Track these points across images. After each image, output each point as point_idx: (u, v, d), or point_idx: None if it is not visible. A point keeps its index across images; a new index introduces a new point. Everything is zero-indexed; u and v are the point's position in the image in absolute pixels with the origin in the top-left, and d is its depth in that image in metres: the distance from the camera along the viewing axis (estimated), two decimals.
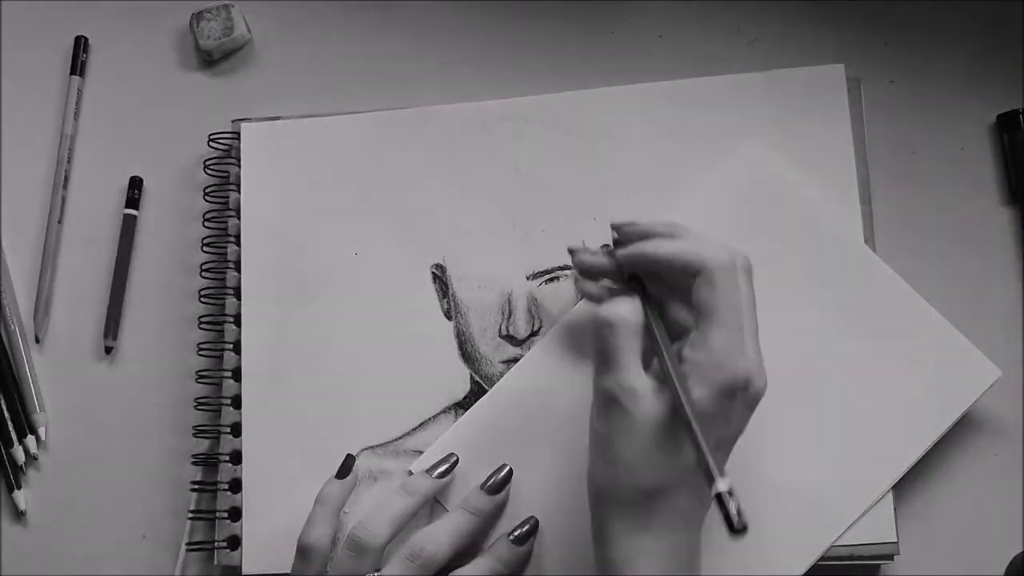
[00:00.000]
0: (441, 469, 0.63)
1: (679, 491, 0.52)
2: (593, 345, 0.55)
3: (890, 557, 0.61)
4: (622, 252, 0.58)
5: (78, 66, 0.76)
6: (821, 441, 0.62)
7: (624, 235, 0.59)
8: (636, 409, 0.51)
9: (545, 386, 0.64)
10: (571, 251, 0.62)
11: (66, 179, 0.74)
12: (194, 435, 0.68)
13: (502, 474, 0.62)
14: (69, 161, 0.75)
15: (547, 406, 0.64)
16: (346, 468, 0.64)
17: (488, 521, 0.62)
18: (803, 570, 0.60)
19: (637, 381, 0.52)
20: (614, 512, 0.53)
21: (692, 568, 0.54)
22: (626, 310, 0.54)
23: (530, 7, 0.74)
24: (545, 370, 0.65)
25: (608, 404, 0.53)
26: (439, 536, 0.60)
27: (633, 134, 0.68)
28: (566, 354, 0.65)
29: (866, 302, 0.63)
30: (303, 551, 0.60)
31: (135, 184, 0.74)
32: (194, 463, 0.68)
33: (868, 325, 0.63)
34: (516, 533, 0.61)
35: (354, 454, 0.65)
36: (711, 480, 0.48)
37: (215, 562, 0.66)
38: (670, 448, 0.51)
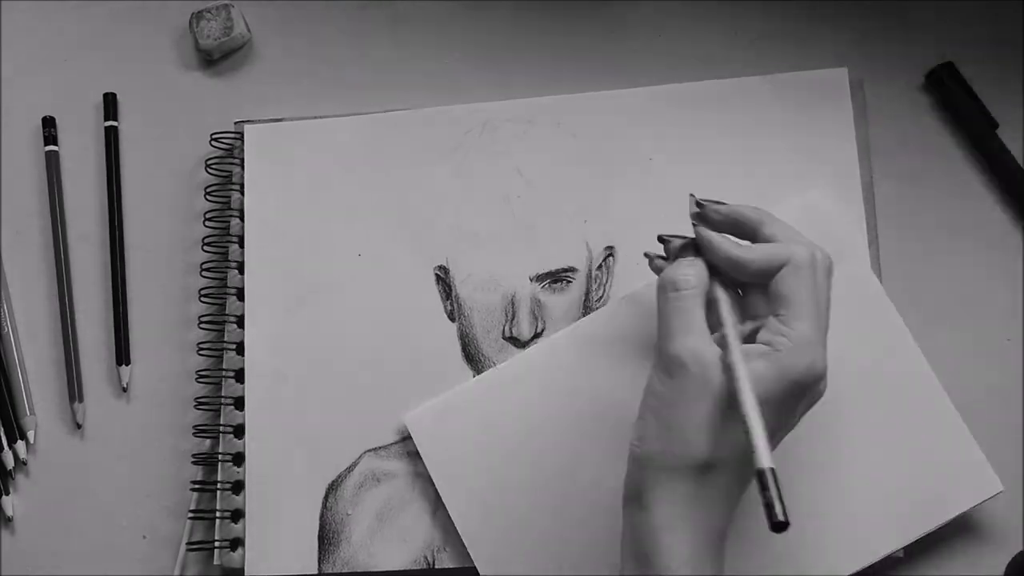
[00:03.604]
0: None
1: (728, 470, 0.50)
2: (658, 307, 0.53)
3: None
4: (709, 248, 0.55)
5: None
6: (808, 510, 0.60)
7: (709, 216, 0.56)
8: (705, 376, 0.50)
9: (577, 360, 0.64)
10: (661, 240, 0.58)
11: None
12: (194, 435, 0.68)
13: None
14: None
15: (582, 376, 0.63)
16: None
17: None
18: None
19: (708, 348, 0.50)
20: (659, 479, 0.50)
21: (718, 560, 0.51)
22: (694, 272, 0.53)
23: (530, 8, 0.74)
24: (579, 347, 0.64)
25: (675, 369, 0.51)
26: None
27: (637, 137, 0.68)
28: (607, 336, 0.64)
29: (888, 381, 0.62)
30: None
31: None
32: (194, 463, 0.67)
33: (884, 404, 0.62)
34: None
35: (357, 456, 0.65)
36: (758, 459, 0.46)
37: (215, 562, 0.66)
38: (730, 423, 0.49)
